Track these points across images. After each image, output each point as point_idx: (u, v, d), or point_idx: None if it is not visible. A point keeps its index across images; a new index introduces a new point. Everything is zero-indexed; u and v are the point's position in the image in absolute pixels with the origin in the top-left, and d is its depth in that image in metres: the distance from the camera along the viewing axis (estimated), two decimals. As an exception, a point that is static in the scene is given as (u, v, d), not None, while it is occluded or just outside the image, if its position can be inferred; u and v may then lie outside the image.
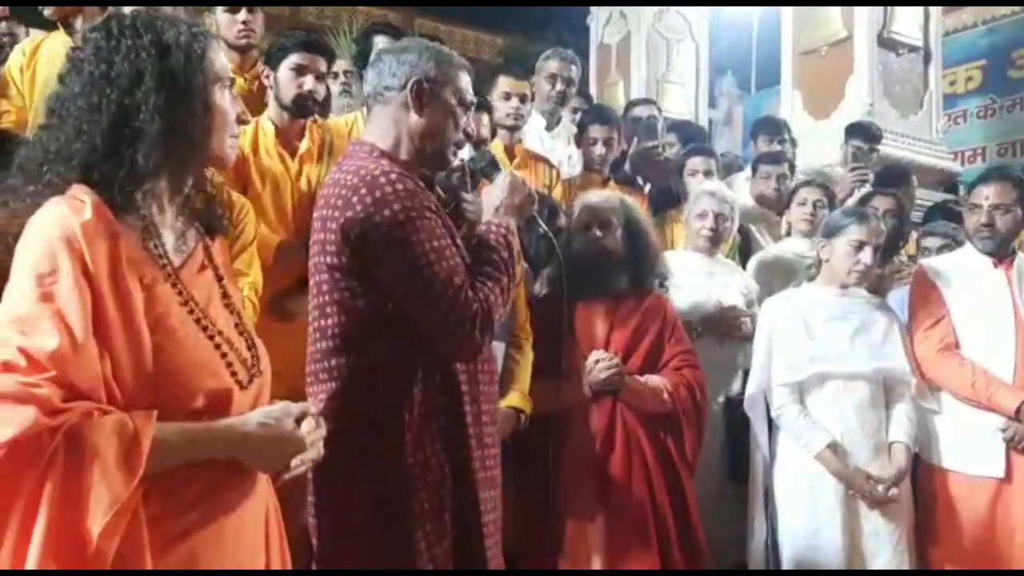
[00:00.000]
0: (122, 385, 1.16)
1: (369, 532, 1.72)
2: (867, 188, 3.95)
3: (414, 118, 1.84)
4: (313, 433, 1.32)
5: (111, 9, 3.05)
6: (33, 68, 3.12)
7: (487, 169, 2.05)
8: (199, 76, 1.30)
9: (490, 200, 1.93)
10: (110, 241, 1.19)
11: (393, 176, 1.72)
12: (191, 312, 1.27)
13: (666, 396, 2.60)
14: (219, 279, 1.39)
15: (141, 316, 1.19)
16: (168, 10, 1.38)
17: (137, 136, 1.24)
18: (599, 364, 2.55)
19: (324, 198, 1.79)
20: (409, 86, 1.82)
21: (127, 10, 1.33)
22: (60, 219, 1.17)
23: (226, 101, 1.36)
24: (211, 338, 1.29)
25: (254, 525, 1.35)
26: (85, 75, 1.26)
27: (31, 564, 1.04)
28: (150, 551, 1.13)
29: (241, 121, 2.70)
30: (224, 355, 1.30)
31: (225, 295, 1.38)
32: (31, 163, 1.26)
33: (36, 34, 3.54)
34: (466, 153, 2.33)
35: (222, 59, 1.37)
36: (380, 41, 3.63)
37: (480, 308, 1.72)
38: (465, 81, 1.90)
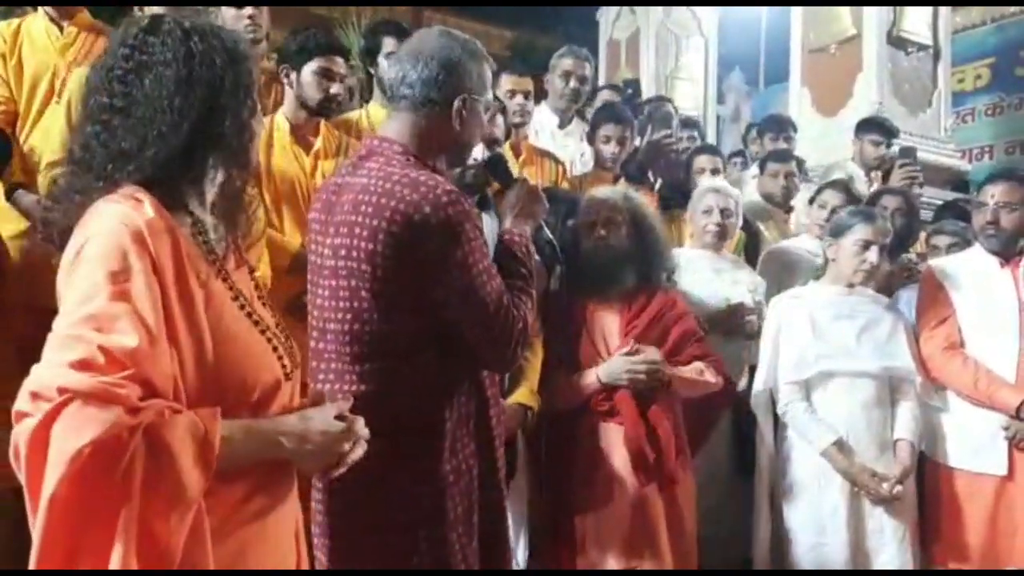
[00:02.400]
0: (186, 381, 1.17)
1: (402, 533, 1.74)
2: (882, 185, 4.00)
3: (455, 131, 1.81)
4: (362, 431, 1.35)
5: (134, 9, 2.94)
6: (18, 55, 2.85)
7: (502, 175, 2.05)
8: (252, 83, 1.33)
9: (507, 207, 1.95)
10: (172, 238, 1.19)
11: (454, 195, 1.69)
12: (242, 307, 1.30)
13: (711, 377, 2.61)
14: (251, 274, 1.41)
15: (202, 312, 1.20)
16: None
17: (213, 140, 1.26)
18: (637, 364, 2.49)
19: (370, 204, 1.70)
20: (457, 102, 1.78)
21: (158, 9, 1.34)
22: (126, 217, 1.16)
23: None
24: (262, 332, 1.31)
25: (288, 524, 1.37)
26: (164, 79, 1.23)
27: (114, 562, 1.04)
28: None
29: None
30: (275, 348, 1.32)
31: (258, 289, 1.40)
32: (99, 160, 1.24)
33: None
34: (478, 153, 2.35)
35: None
36: (389, 43, 3.61)
37: (522, 325, 1.76)
38: (491, 83, 1.90)
